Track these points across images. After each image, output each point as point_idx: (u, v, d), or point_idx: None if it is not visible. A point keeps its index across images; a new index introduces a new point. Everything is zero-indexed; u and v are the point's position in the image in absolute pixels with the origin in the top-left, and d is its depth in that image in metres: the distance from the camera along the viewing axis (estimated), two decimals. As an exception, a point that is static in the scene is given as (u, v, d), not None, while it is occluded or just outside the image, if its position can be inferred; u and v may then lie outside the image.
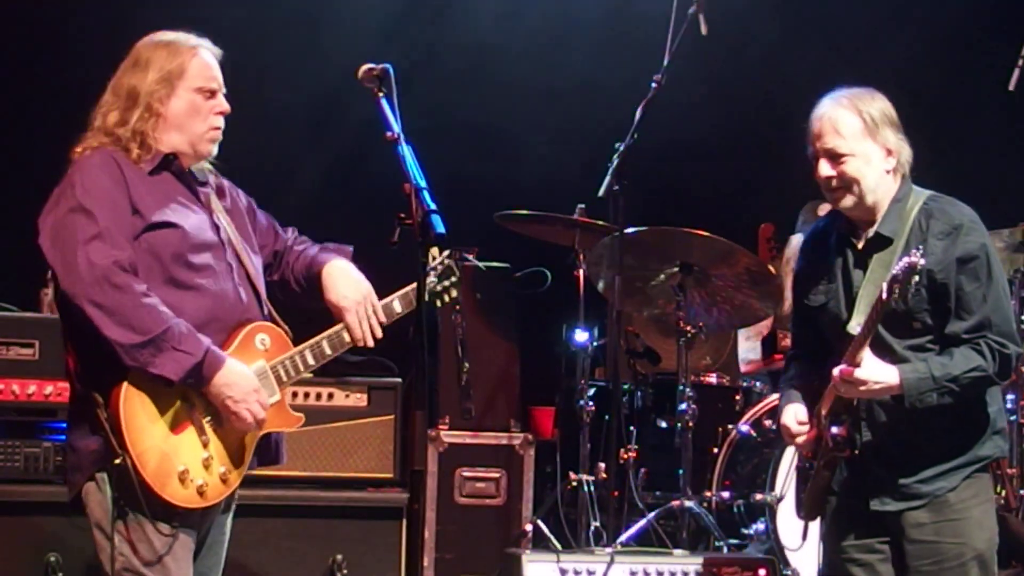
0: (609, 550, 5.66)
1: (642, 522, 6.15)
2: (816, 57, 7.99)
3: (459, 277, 4.36)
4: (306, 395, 5.81)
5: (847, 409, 4.18)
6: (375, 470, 5.99)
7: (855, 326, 4.12)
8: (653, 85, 5.98)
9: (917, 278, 3.85)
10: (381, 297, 4.20)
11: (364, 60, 3.99)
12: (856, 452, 4.18)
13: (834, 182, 4.19)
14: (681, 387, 6.28)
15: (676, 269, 6.25)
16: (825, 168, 4.19)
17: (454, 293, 4.34)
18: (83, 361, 3.90)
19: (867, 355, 4.03)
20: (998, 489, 5.96)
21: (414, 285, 4.01)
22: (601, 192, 5.92)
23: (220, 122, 4.08)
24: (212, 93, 4.05)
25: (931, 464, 4.15)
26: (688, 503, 6.16)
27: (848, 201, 4.20)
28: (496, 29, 7.94)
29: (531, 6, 8.03)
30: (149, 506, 3.81)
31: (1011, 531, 5.85)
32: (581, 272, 6.42)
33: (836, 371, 4.07)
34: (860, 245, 4.25)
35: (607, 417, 6.25)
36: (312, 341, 4.12)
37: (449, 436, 6.42)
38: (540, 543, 6.15)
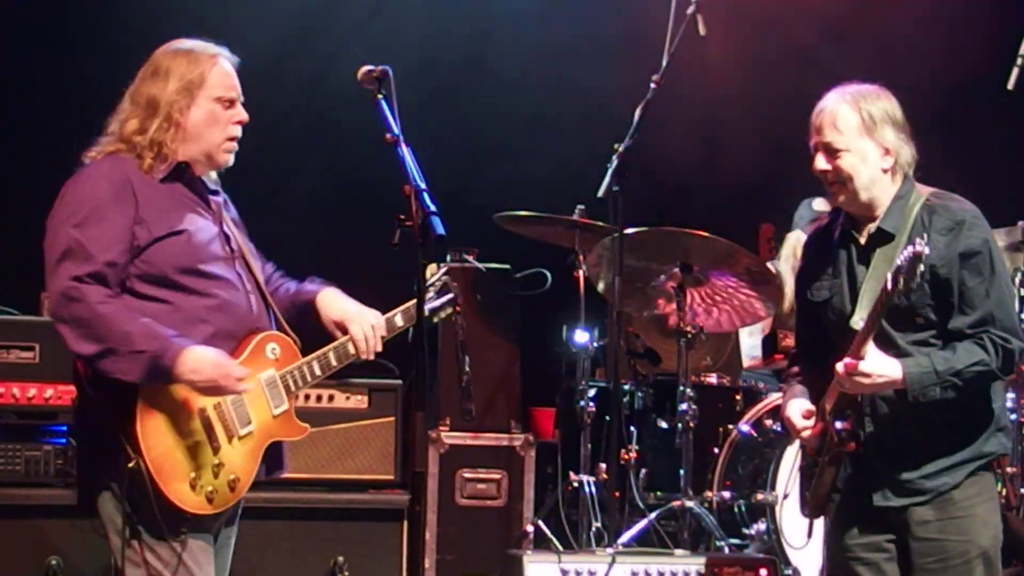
0: (610, 551, 5.65)
1: (643, 523, 6.15)
2: (815, 57, 7.99)
3: (456, 296, 4.41)
4: (307, 397, 5.81)
5: (851, 404, 4.18)
6: (376, 472, 5.99)
7: (858, 321, 4.13)
8: (652, 86, 5.98)
9: (922, 267, 3.84)
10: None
11: (363, 61, 3.99)
12: (860, 446, 4.18)
13: (829, 176, 4.21)
14: (681, 387, 6.27)
15: (676, 269, 6.25)
16: (821, 162, 4.21)
17: (449, 311, 4.40)
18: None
19: (871, 349, 4.04)
20: (998, 487, 5.96)
21: (415, 301, 4.06)
22: (601, 193, 5.92)
23: (238, 132, 4.09)
24: (231, 103, 4.06)
25: (934, 459, 4.15)
26: (689, 503, 6.16)
27: (842, 197, 4.21)
28: (496, 30, 7.95)
29: (531, 7, 8.04)
30: (160, 510, 3.81)
31: (1012, 530, 5.85)
32: (581, 273, 6.42)
33: (840, 365, 4.07)
34: (863, 241, 4.26)
35: (608, 418, 6.25)
36: (319, 353, 4.15)
37: (450, 437, 6.42)
38: (541, 544, 6.15)
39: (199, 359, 3.82)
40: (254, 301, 4.08)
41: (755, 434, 6.59)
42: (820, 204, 7.07)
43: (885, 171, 4.20)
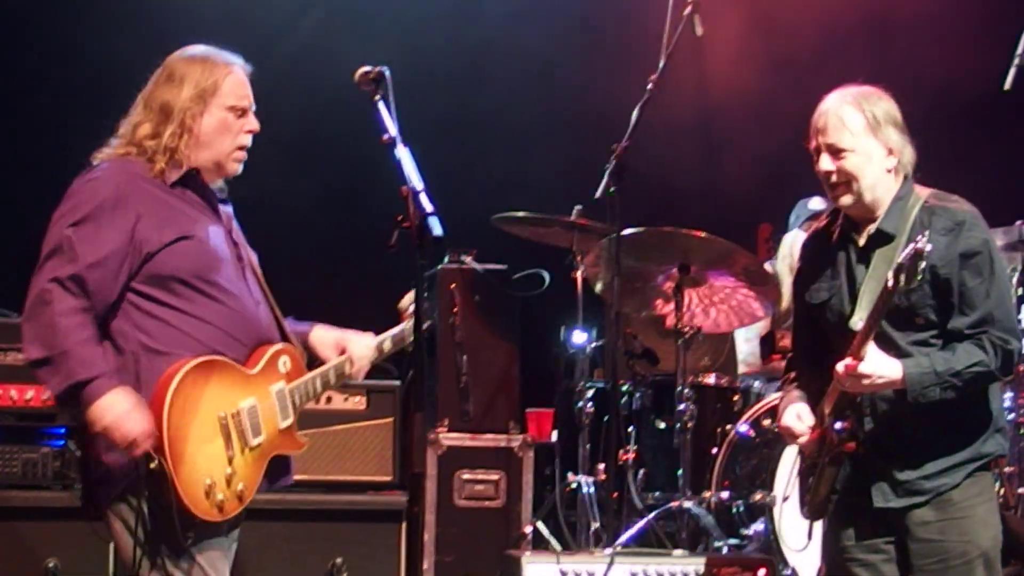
0: (609, 551, 5.65)
1: (641, 523, 6.15)
2: (813, 58, 7.99)
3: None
4: (305, 398, 5.81)
5: (850, 405, 4.18)
6: (374, 473, 5.99)
7: (858, 321, 4.12)
8: (649, 86, 5.98)
9: (923, 264, 3.84)
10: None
11: (361, 62, 3.99)
12: (859, 446, 4.18)
13: (833, 177, 4.19)
14: (680, 388, 6.28)
15: (674, 270, 6.26)
16: (826, 162, 4.20)
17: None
18: (119, 365, 3.87)
19: (871, 349, 4.04)
20: (997, 487, 5.96)
21: (402, 326, 4.28)
22: (599, 193, 5.92)
23: (248, 141, 4.09)
24: (243, 112, 4.06)
25: (934, 460, 4.14)
26: (687, 504, 6.17)
27: (847, 198, 4.20)
28: (493, 31, 7.95)
29: (528, 8, 8.04)
30: (177, 514, 3.80)
31: (1010, 530, 5.85)
32: (579, 274, 6.42)
33: (840, 366, 4.07)
34: (862, 242, 4.26)
35: (606, 418, 6.25)
36: (320, 370, 4.18)
37: (448, 439, 6.42)
38: (540, 545, 6.16)
39: (115, 403, 3.77)
40: (263, 312, 4.09)
41: (753, 434, 6.59)
42: (816, 203, 7.07)
43: (889, 171, 4.20)
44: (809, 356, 4.43)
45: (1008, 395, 6.04)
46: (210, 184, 4.09)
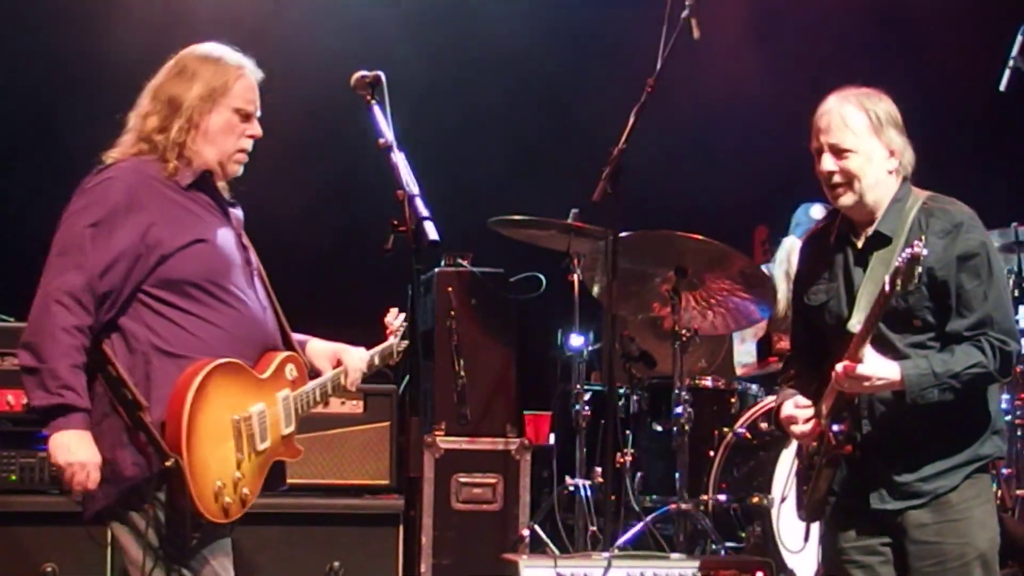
0: (606, 554, 5.65)
1: (639, 526, 6.16)
2: (811, 60, 8.00)
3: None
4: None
5: (848, 407, 4.18)
6: (371, 477, 5.99)
7: (856, 324, 4.12)
8: (647, 89, 5.98)
9: (920, 269, 3.84)
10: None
11: (357, 66, 4.00)
12: (856, 449, 4.18)
13: (835, 177, 4.19)
14: (676, 390, 6.28)
15: (671, 273, 6.26)
16: (828, 163, 4.20)
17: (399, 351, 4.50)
18: (129, 364, 3.87)
19: (869, 351, 4.04)
20: (994, 489, 5.97)
21: (390, 342, 4.37)
22: (595, 196, 5.92)
23: (249, 145, 4.10)
24: (248, 116, 4.08)
25: (931, 462, 4.14)
26: (685, 506, 6.17)
27: (848, 199, 4.20)
28: (490, 34, 7.95)
29: (526, 11, 8.04)
30: (189, 514, 3.81)
31: (1007, 531, 5.86)
32: (576, 276, 6.43)
33: (839, 367, 4.07)
34: (860, 244, 4.26)
35: (603, 421, 6.25)
36: (319, 381, 4.21)
37: (445, 442, 6.42)
38: (537, 548, 6.16)
39: (77, 441, 3.78)
40: (270, 318, 4.10)
41: (750, 437, 6.60)
42: (817, 212, 7.05)
43: (890, 172, 4.20)
44: (808, 355, 4.43)
45: (1005, 397, 6.05)
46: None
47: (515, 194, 7.14)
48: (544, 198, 6.77)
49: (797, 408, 4.29)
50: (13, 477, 5.54)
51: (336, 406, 5.95)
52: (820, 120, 4.22)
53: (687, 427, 6.26)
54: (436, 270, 6.50)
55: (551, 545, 6.09)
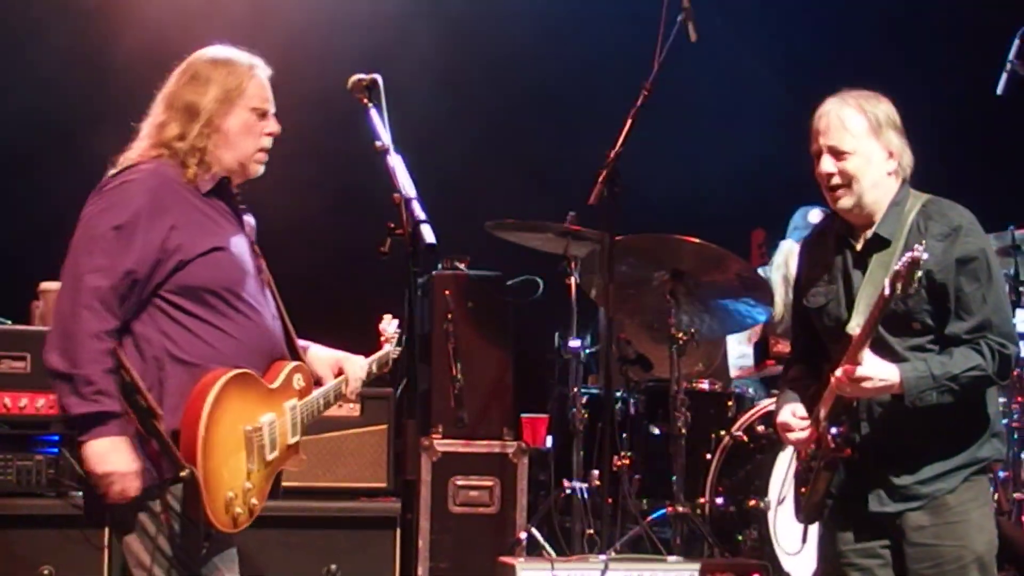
0: (603, 557, 5.66)
1: (636, 529, 6.16)
2: (809, 61, 8.01)
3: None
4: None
5: (847, 410, 4.18)
6: (368, 480, 6.00)
7: (855, 327, 4.12)
8: (643, 92, 5.99)
9: (920, 273, 3.84)
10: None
11: (354, 69, 4.00)
12: (855, 452, 4.18)
13: (835, 179, 4.19)
14: (674, 393, 6.28)
15: (668, 276, 6.26)
16: (827, 164, 4.19)
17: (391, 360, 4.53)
18: (141, 370, 3.85)
19: (867, 354, 4.04)
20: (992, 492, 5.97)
21: (386, 350, 4.40)
22: (592, 199, 5.92)
23: (269, 143, 4.10)
24: (264, 114, 4.07)
25: (930, 464, 4.14)
26: (681, 509, 6.17)
27: (847, 201, 4.20)
28: (487, 37, 7.95)
29: (523, 13, 8.05)
30: (202, 524, 3.81)
31: (1004, 535, 5.86)
32: (573, 280, 6.43)
33: (838, 372, 4.07)
34: (859, 246, 4.26)
35: (600, 424, 6.25)
36: (322, 390, 4.22)
37: (442, 445, 6.42)
38: (534, 551, 6.15)
39: (113, 449, 3.77)
40: (279, 327, 4.10)
41: (747, 440, 6.59)
42: (815, 216, 7.05)
43: (889, 174, 4.20)
44: (808, 358, 4.44)
45: (1001, 400, 6.06)
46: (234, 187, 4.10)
47: (512, 197, 7.13)
48: (541, 201, 6.77)
49: (793, 418, 4.30)
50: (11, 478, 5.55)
51: (333, 409, 5.86)
52: (819, 122, 4.22)
53: (684, 430, 6.25)
54: (433, 273, 6.50)
55: (548, 548, 6.09)
